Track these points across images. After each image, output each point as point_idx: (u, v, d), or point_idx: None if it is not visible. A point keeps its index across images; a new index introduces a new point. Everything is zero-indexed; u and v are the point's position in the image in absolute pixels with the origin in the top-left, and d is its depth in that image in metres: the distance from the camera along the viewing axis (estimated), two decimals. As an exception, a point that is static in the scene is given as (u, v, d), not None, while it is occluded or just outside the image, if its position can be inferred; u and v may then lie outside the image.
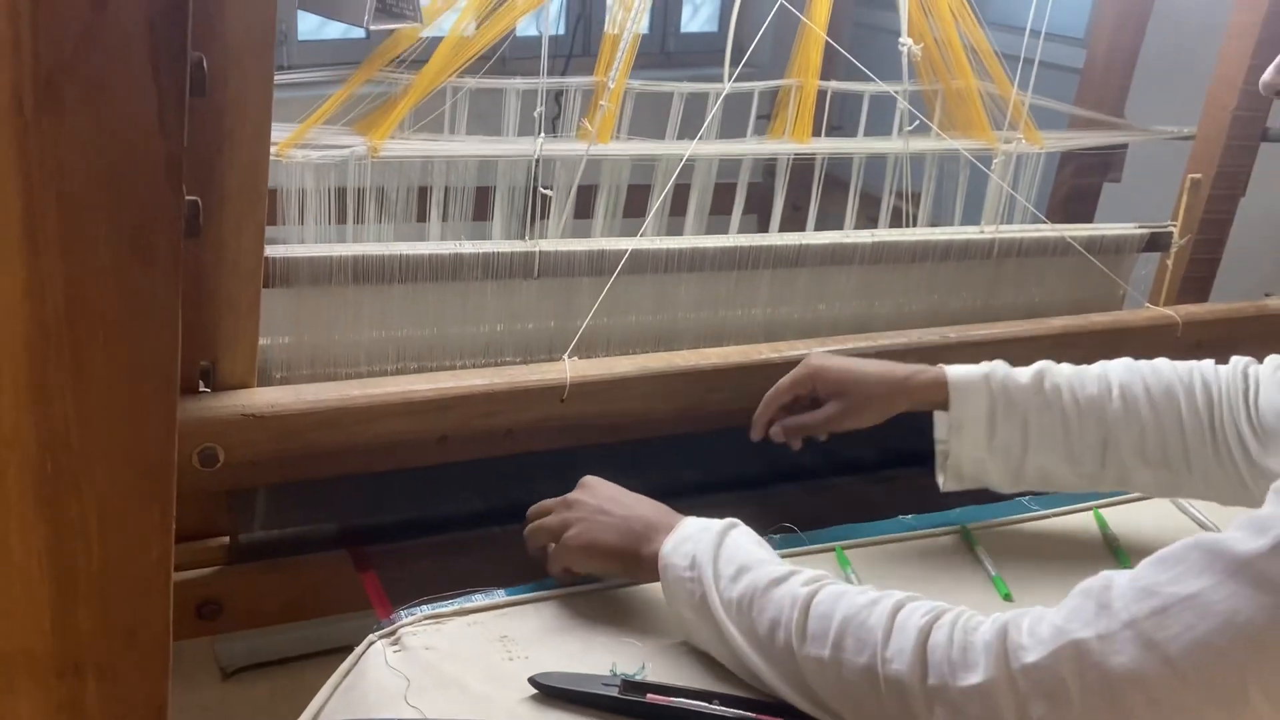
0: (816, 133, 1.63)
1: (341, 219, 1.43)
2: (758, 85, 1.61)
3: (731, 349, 1.20)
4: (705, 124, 1.43)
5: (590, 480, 1.01)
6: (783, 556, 0.98)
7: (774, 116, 1.65)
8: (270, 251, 1.13)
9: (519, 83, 1.51)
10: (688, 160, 1.49)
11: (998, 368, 1.09)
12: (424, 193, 1.52)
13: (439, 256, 1.22)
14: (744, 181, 1.64)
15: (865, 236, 1.42)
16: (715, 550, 0.88)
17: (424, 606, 0.95)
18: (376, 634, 0.92)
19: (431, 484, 1.12)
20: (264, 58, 0.90)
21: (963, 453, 1.07)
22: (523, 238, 1.28)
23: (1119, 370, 1.08)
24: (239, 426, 1.00)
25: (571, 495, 0.99)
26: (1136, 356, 1.41)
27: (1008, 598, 1.00)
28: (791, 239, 1.38)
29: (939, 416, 1.08)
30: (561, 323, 1.32)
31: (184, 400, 0.98)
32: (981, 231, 1.50)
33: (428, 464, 1.08)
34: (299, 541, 1.10)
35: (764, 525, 1.17)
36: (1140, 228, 1.59)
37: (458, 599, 0.96)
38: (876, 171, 1.71)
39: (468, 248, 1.24)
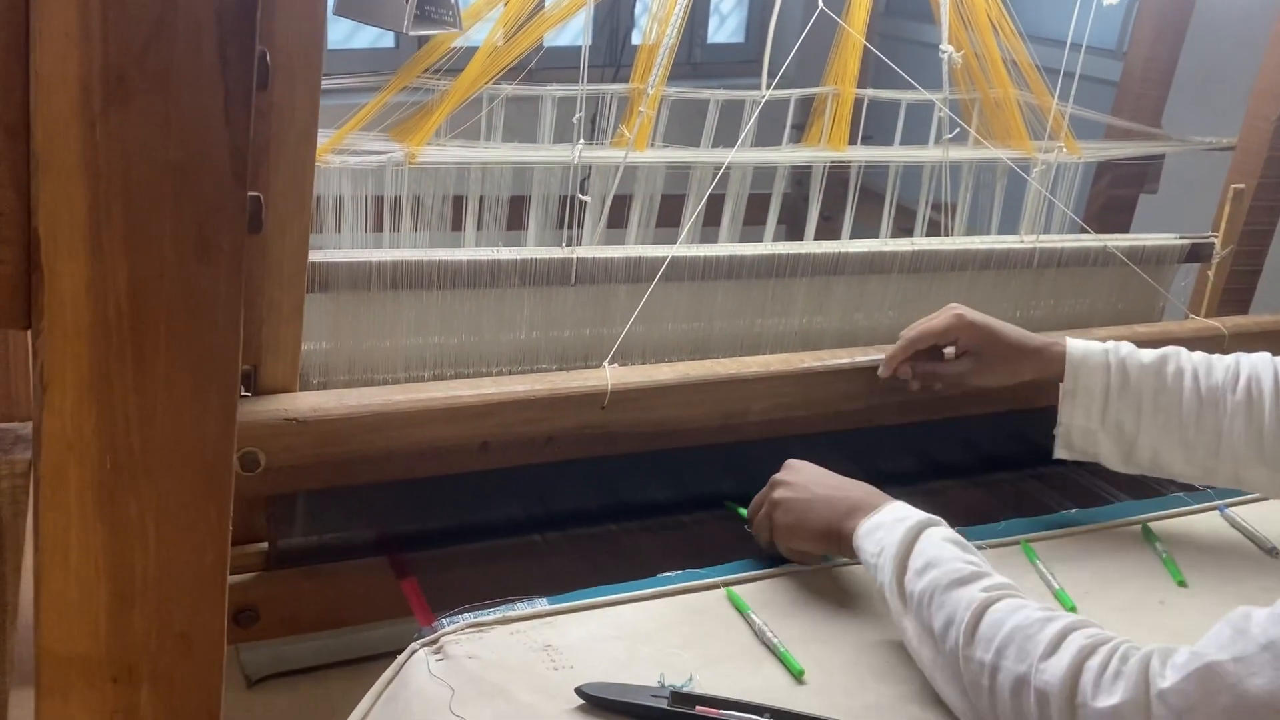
0: (852, 141, 1.62)
1: (378, 227, 1.42)
2: (794, 93, 1.60)
3: (773, 357, 1.19)
4: (744, 130, 1.42)
5: (794, 463, 1.05)
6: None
7: (810, 124, 1.64)
8: (310, 257, 1.12)
9: (555, 90, 1.50)
10: (722, 170, 1.49)
11: (1121, 346, 1.10)
12: (459, 202, 1.51)
13: (477, 263, 1.22)
14: (779, 190, 1.63)
15: (904, 245, 1.41)
16: (906, 545, 0.90)
17: (466, 615, 0.94)
18: (419, 642, 0.91)
19: (472, 491, 1.11)
20: (312, 59, 0.90)
21: (1073, 422, 1.09)
22: (559, 245, 1.27)
23: (1252, 362, 1.06)
24: (281, 431, 0.99)
25: (777, 476, 1.05)
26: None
27: (1071, 609, 0.99)
28: (830, 247, 1.37)
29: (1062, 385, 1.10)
30: (598, 330, 1.31)
31: (225, 404, 0.98)
32: (1021, 241, 1.48)
33: (468, 470, 1.07)
34: (338, 548, 1.09)
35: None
36: (1182, 238, 1.57)
37: (500, 607, 0.95)
38: (910, 183, 1.70)
39: (505, 254, 1.23)
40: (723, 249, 1.32)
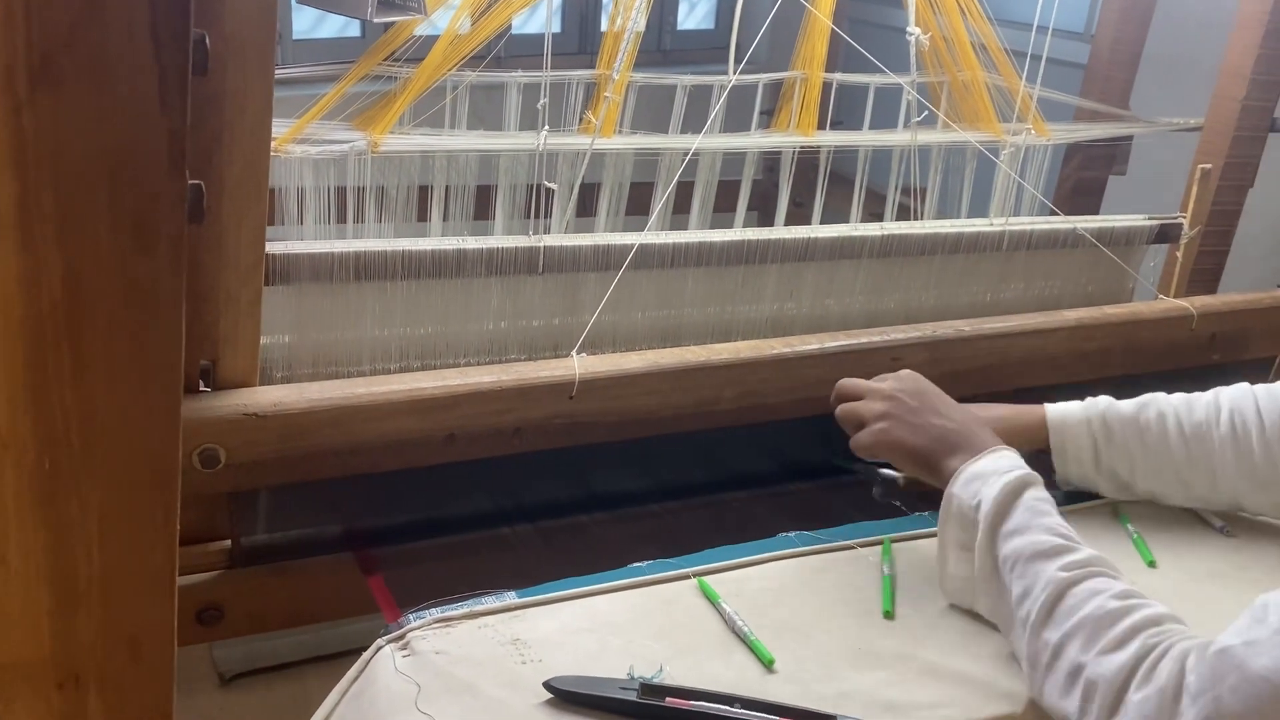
0: (821, 126, 1.60)
1: (341, 218, 1.40)
2: (762, 78, 1.58)
3: (743, 344, 1.17)
4: (711, 115, 1.41)
5: (910, 375, 1.04)
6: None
7: (778, 110, 1.62)
8: (270, 248, 1.10)
9: (520, 76, 1.48)
10: (691, 156, 1.47)
11: (1099, 401, 1.09)
12: (424, 192, 1.49)
13: (442, 252, 1.19)
14: (748, 176, 1.62)
15: (874, 230, 1.39)
16: (1002, 505, 0.89)
17: (433, 609, 0.92)
18: (385, 638, 0.89)
19: (439, 484, 1.09)
20: (263, 45, 0.87)
21: (1069, 475, 1.09)
22: (526, 234, 1.25)
23: (1231, 395, 1.06)
24: (241, 426, 0.97)
25: (890, 386, 1.02)
26: (1150, 349, 1.40)
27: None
28: (799, 232, 1.35)
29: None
30: (566, 319, 1.29)
31: (184, 399, 0.95)
32: (991, 224, 1.47)
33: (435, 464, 1.05)
34: (303, 544, 1.07)
35: (779, 523, 1.15)
36: (1150, 219, 1.56)
37: (468, 601, 0.93)
38: (879, 167, 1.68)
39: (471, 243, 1.21)
40: (692, 236, 1.30)
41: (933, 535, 1.06)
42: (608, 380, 1.08)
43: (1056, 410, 1.09)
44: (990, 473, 0.92)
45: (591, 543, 1.11)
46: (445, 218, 1.50)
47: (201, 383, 1.00)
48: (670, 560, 0.99)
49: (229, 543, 1.04)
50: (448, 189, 1.49)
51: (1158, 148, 2.00)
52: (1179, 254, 1.59)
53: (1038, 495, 0.91)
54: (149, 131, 0.50)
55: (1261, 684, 0.70)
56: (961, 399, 1.30)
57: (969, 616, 0.95)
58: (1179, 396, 1.08)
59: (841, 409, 1.04)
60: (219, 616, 1.02)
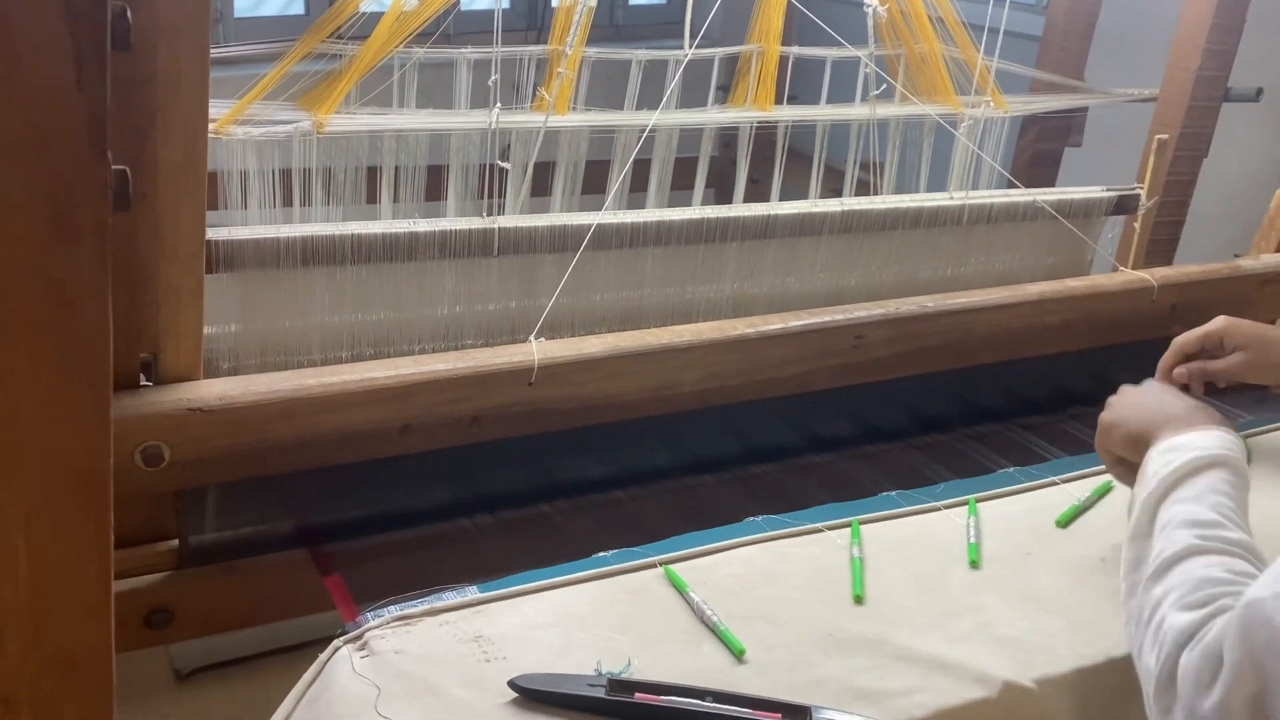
0: (777, 102, 1.57)
1: (287, 202, 1.35)
2: (718, 51, 1.54)
3: (705, 325, 1.14)
4: (667, 90, 1.37)
5: (1150, 383, 1.07)
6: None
7: (734, 85, 1.59)
8: (213, 234, 1.05)
9: (470, 53, 1.43)
10: (647, 133, 1.43)
11: None
12: (373, 173, 1.44)
13: (393, 235, 1.15)
14: (706, 153, 1.58)
15: (834, 206, 1.37)
16: (1185, 474, 0.87)
17: (392, 607, 0.88)
18: (342, 639, 0.85)
19: (395, 476, 1.05)
20: (197, 21, 0.82)
21: None
22: (480, 215, 1.21)
23: None
24: (185, 422, 0.92)
25: (1127, 387, 1.04)
26: (1111, 321, 1.38)
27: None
28: (760, 209, 1.32)
29: None
30: (523, 302, 1.25)
31: (124, 396, 0.91)
32: (951, 198, 1.45)
33: (390, 455, 1.01)
34: (255, 542, 1.03)
35: (743, 506, 1.13)
36: (1108, 190, 1.55)
37: (428, 598, 0.89)
38: (837, 143, 1.65)
39: (423, 226, 1.17)
40: (650, 215, 1.26)
41: (899, 516, 1.05)
42: (567, 365, 1.05)
43: None
44: (1190, 446, 0.89)
45: (554, 532, 1.08)
46: (396, 199, 1.45)
47: (143, 377, 0.96)
48: (636, 549, 0.96)
49: (176, 542, 1.00)
50: (397, 170, 1.44)
51: (1111, 119, 1.99)
52: (1137, 225, 1.58)
53: (1226, 476, 0.87)
54: (65, 113, 0.46)
55: None
56: (920, 377, 1.28)
57: (940, 598, 0.93)
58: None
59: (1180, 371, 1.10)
60: (168, 619, 0.98)
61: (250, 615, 1.02)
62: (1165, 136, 1.57)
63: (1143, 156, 1.78)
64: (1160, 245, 1.73)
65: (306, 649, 0.98)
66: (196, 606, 0.99)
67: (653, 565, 0.94)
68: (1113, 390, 1.34)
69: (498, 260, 1.22)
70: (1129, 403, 1.00)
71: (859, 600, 0.92)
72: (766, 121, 1.53)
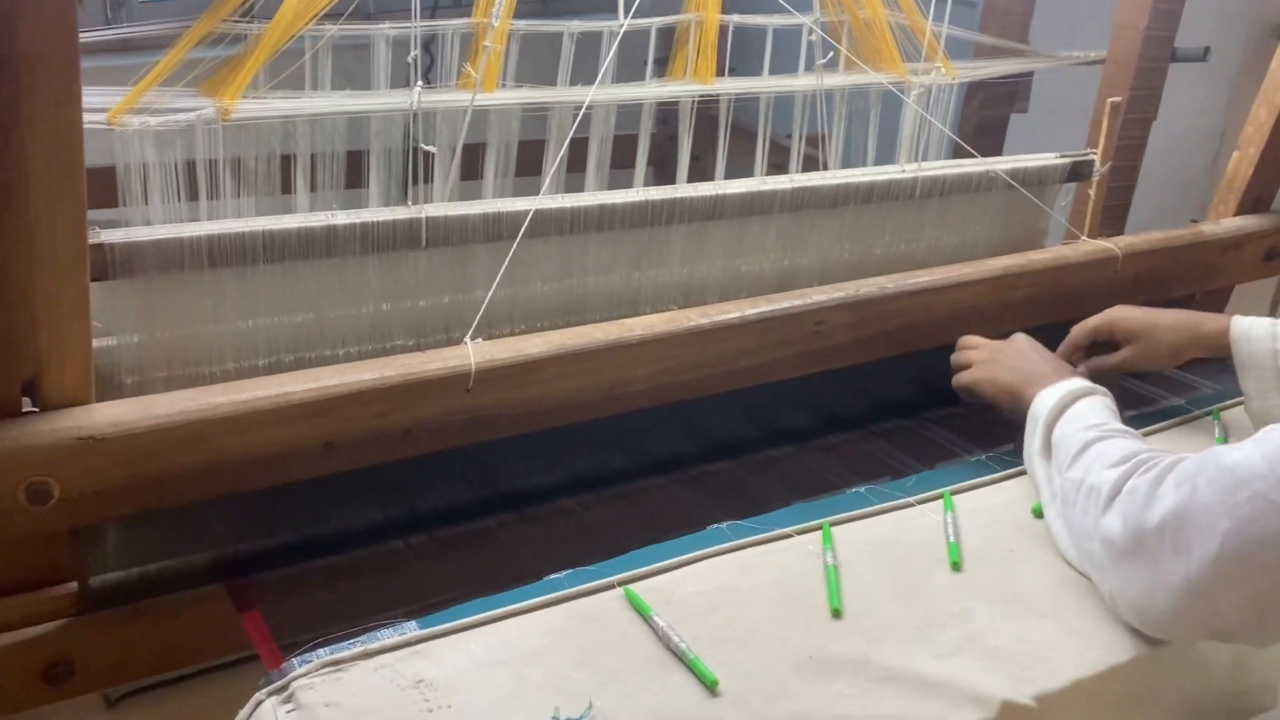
0: (719, 73, 1.47)
1: (193, 195, 1.22)
2: (654, 21, 1.44)
3: (656, 317, 1.04)
4: (603, 64, 1.26)
5: (1022, 337, 1.14)
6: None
7: (672, 58, 1.49)
8: (107, 236, 0.93)
9: (388, 28, 1.31)
10: (584, 110, 1.33)
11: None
12: (287, 161, 1.32)
13: (309, 230, 1.04)
14: (646, 129, 1.48)
15: (785, 183, 1.28)
16: (1060, 407, 0.99)
17: (320, 651, 0.78)
18: (264, 690, 0.75)
19: (319, 498, 0.94)
20: (61, -5, 0.70)
21: (1247, 388, 1.10)
22: (405, 204, 1.10)
23: None
24: (76, 452, 0.80)
25: (998, 343, 1.14)
26: (1075, 294, 1.31)
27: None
28: (707, 189, 1.23)
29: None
30: (456, 297, 1.15)
31: (2, 425, 0.79)
32: (903, 170, 1.37)
33: (313, 476, 0.90)
34: (165, 579, 0.91)
35: (703, 508, 1.04)
36: (1062, 157, 1.48)
37: (361, 637, 0.79)
38: (780, 116, 1.56)
39: (342, 218, 1.05)
40: (591, 198, 1.16)
41: (871, 515, 0.97)
42: (508, 368, 0.94)
43: (1243, 323, 1.11)
44: (1064, 388, 1.00)
45: (499, 549, 0.98)
46: (313, 188, 1.33)
47: (27, 402, 0.83)
48: (590, 568, 0.87)
49: (75, 585, 0.88)
50: (313, 157, 1.32)
51: (1055, 84, 1.92)
52: (1091, 192, 1.51)
53: (1101, 400, 0.99)
54: None
55: (1229, 475, 0.76)
56: (882, 362, 1.20)
57: (923, 607, 0.85)
58: None
59: (955, 355, 1.16)
60: (69, 672, 0.86)
61: (163, 661, 0.91)
62: (1118, 99, 1.50)
63: (1092, 121, 1.72)
64: (1113, 212, 1.67)
65: (243, 666, 0.88)
66: (101, 655, 0.87)
67: (611, 586, 0.85)
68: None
69: (426, 253, 1.11)
70: (995, 360, 1.10)
71: (837, 614, 0.83)
72: (709, 95, 1.43)
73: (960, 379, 1.13)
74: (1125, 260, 1.28)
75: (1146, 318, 1.17)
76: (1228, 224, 1.38)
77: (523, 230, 1.08)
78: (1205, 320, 1.14)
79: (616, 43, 1.18)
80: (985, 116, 1.85)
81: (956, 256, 1.44)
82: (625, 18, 1.20)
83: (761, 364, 1.07)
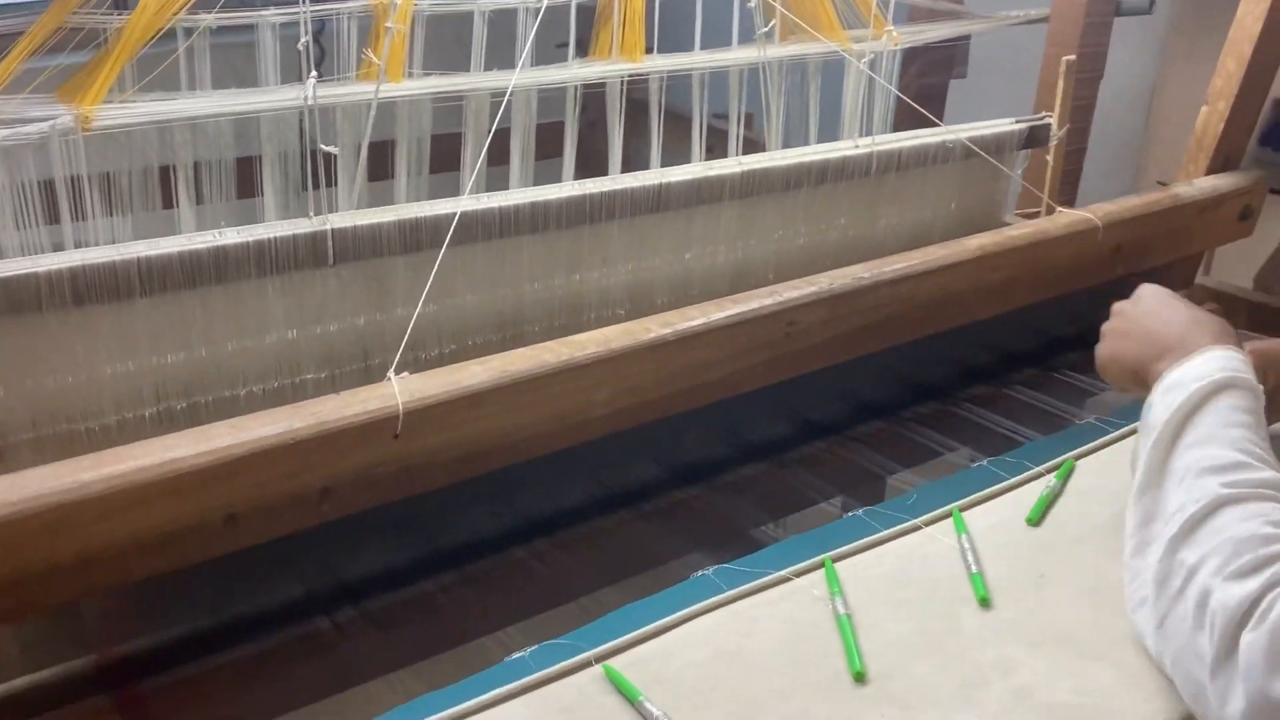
0: (647, 50, 1.32)
1: (54, 219, 1.03)
2: (574, -1, 1.28)
3: (610, 330, 0.89)
4: (524, 45, 1.10)
5: (1150, 288, 0.90)
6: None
7: (595, 36, 1.33)
8: (-62, 275, 0.75)
9: (273, 15, 1.14)
10: (505, 97, 1.17)
11: None
12: (167, 173, 1.14)
13: (194, 254, 0.87)
14: (573, 116, 1.32)
15: (733, 166, 1.13)
16: (1189, 412, 0.74)
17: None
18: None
19: (225, 577, 0.77)
20: None
21: None
22: (307, 215, 0.93)
23: None
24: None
25: (1120, 304, 0.90)
26: (1057, 270, 1.18)
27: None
28: (650, 179, 1.08)
29: None
30: (373, 317, 0.99)
31: None
32: (857, 146, 1.23)
33: (214, 556, 0.73)
34: (38, 694, 0.74)
35: (676, 544, 0.90)
36: (1019, 122, 1.36)
37: (286, 757, 0.63)
38: (714, 96, 1.42)
39: (232, 237, 0.88)
40: (521, 195, 1.00)
41: (876, 544, 0.83)
42: (443, 405, 0.78)
43: None
44: (1190, 379, 0.76)
45: (441, 619, 0.82)
46: (198, 201, 1.15)
47: None
48: (560, 641, 0.72)
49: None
50: (197, 166, 1.14)
51: (992, 47, 1.82)
52: (1049, 157, 1.39)
53: (1236, 402, 0.74)
54: None
55: None
56: (868, 356, 1.07)
57: (957, 659, 0.71)
58: None
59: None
60: (-80, 823, 0.68)
61: (42, 794, 0.73)
62: (1072, 58, 1.38)
63: (1041, 82, 1.61)
64: (1067, 178, 1.57)
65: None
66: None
67: (588, 664, 0.70)
68: (1056, 348, 1.15)
69: (335, 270, 0.94)
70: (1121, 329, 0.88)
71: (860, 678, 0.69)
72: (639, 74, 1.28)
73: (1103, 374, 0.90)
74: (1105, 230, 1.17)
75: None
76: (1202, 184, 1.27)
77: (448, 238, 0.92)
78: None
79: (538, 21, 1.02)
80: (925, 84, 1.73)
81: (915, 235, 1.32)
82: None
83: (732, 374, 0.93)
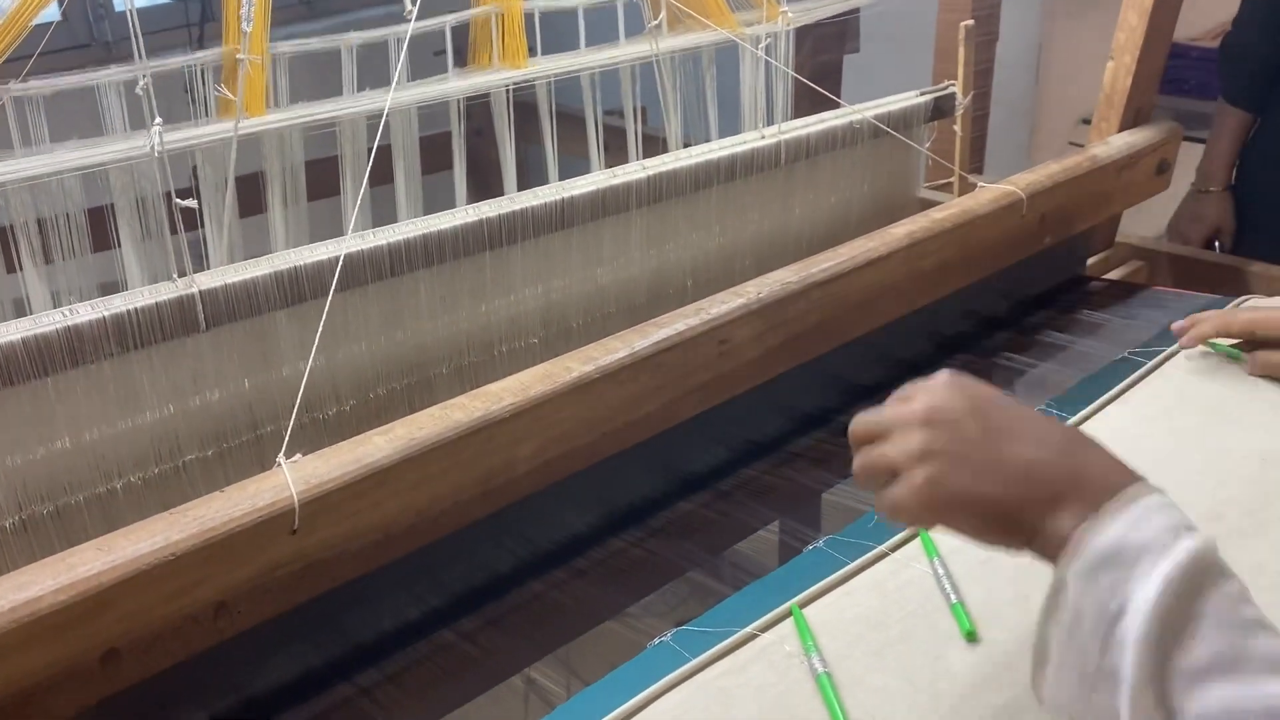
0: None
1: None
2: (448, 19, 1.17)
3: (526, 375, 0.78)
4: (398, 67, 0.99)
5: (949, 379, 0.59)
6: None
7: (471, 46, 1.23)
8: None
9: (112, 74, 1.00)
10: (377, 118, 1.06)
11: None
12: (5, 234, 1.00)
13: (43, 339, 0.75)
14: (458, 129, 1.22)
15: (638, 172, 1.05)
16: (1178, 615, 0.48)
17: None
18: None
19: (111, 711, 0.66)
20: None
21: None
22: (170, 275, 0.82)
23: None
24: None
25: (922, 405, 0.58)
26: (986, 248, 1.10)
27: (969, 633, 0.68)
28: (550, 194, 0.99)
29: None
30: (259, 378, 0.88)
31: None
32: (763, 137, 1.16)
33: (93, 701, 0.61)
34: None
35: (614, 599, 0.81)
36: (923, 95, 1.30)
37: None
38: (604, 96, 1.33)
39: (85, 314, 0.76)
40: (411, 228, 0.91)
41: (843, 580, 0.75)
42: (345, 488, 0.67)
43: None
44: (1140, 547, 0.50)
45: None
46: (46, 261, 1.02)
47: None
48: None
49: None
50: (41, 223, 1.00)
51: (875, 19, 1.76)
52: (957, 127, 1.33)
53: (1231, 589, 0.50)
54: None
55: None
56: (803, 365, 0.98)
57: (954, 708, 0.64)
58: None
59: (861, 462, 0.60)
60: None
61: None
62: (970, 22, 1.32)
63: (937, 50, 1.56)
64: (974, 145, 1.52)
65: None
66: None
67: (546, 771, 0.61)
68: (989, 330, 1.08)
69: (210, 335, 0.83)
70: (963, 459, 0.55)
71: (850, 748, 0.61)
72: (526, 81, 1.18)
73: (892, 506, 0.58)
74: (1030, 202, 1.11)
75: None
76: (1117, 142, 1.23)
77: (333, 287, 0.82)
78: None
79: (405, 46, 0.91)
80: (820, 62, 1.66)
81: (831, 221, 1.26)
82: (414, 16, 0.92)
83: (664, 405, 0.84)
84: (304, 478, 0.66)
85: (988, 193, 1.10)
